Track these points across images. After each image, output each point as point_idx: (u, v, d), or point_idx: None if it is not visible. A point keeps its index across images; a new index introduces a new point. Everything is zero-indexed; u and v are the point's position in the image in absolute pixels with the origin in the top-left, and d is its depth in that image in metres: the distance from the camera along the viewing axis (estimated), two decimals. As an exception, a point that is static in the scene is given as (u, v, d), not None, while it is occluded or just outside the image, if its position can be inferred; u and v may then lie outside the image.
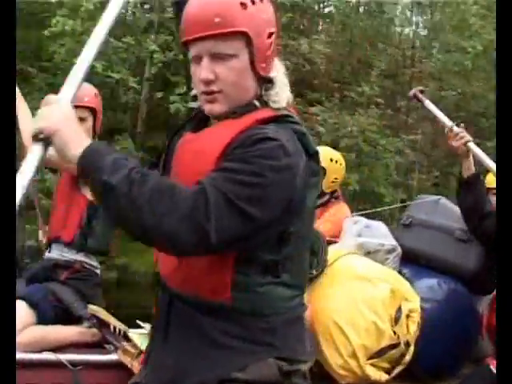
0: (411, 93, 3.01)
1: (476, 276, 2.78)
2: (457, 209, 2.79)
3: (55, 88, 10.61)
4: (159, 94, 10.31)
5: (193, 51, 1.42)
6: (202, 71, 1.39)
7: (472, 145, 2.65)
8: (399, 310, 2.53)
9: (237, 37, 1.38)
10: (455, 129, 2.66)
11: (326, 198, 3.42)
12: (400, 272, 2.83)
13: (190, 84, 1.47)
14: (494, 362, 2.22)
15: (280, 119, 1.41)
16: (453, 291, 2.78)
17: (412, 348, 2.55)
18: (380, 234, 2.86)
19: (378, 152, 12.05)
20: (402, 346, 2.51)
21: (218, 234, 1.25)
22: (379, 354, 2.48)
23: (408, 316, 2.55)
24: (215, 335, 1.37)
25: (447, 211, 2.92)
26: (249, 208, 1.28)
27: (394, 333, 2.49)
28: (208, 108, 1.43)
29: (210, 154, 1.35)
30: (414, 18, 16.61)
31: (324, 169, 3.34)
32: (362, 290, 2.55)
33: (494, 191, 3.61)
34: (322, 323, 2.52)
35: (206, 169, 1.32)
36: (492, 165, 2.56)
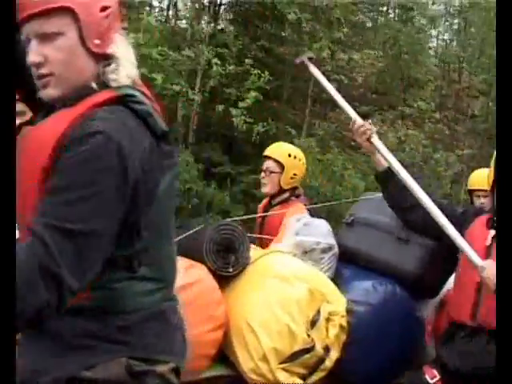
0: (297, 60, 2.76)
1: (418, 278, 2.61)
2: None
3: None
4: (220, 107, 10.22)
5: (23, 35, 1.36)
6: (31, 54, 1.33)
7: (375, 139, 2.50)
8: (318, 312, 2.41)
9: (61, 14, 1.31)
10: (358, 122, 2.50)
11: (286, 195, 3.37)
12: (340, 273, 2.71)
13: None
14: (431, 371, 2.18)
15: (119, 101, 1.33)
16: (390, 294, 2.59)
17: (334, 353, 2.42)
18: (318, 232, 2.72)
19: (431, 166, 12.17)
20: (320, 350, 2.37)
21: (75, 276, 1.21)
22: (292, 358, 2.35)
23: (328, 319, 2.42)
24: (72, 335, 1.33)
25: (381, 207, 2.74)
26: (85, 226, 1.22)
27: (308, 336, 2.35)
28: (43, 94, 1.37)
29: (44, 150, 1.28)
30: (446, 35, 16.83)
31: (282, 165, 3.23)
32: (278, 290, 2.43)
33: (478, 193, 3.57)
34: (235, 323, 2.42)
35: (41, 166, 1.27)
36: (393, 161, 2.43)
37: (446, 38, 17.24)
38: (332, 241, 2.70)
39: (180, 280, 2.31)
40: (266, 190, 3.39)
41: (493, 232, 2.15)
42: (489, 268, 2.03)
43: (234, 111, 9.95)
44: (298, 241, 2.66)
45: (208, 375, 2.43)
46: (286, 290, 2.42)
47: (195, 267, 2.47)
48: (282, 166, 3.31)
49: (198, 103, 10.44)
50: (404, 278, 2.60)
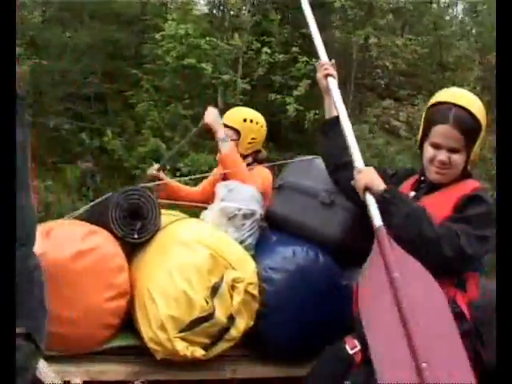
0: None
1: (340, 243, 2.50)
2: None
3: (162, 91, 9.82)
4: (272, 96, 9.85)
5: None
6: None
7: (332, 81, 2.47)
8: (221, 279, 2.30)
9: None
10: (323, 60, 2.51)
11: (248, 160, 3.25)
12: (267, 239, 2.61)
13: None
14: (352, 341, 2.11)
15: None
16: (311, 261, 2.48)
17: (241, 322, 2.32)
18: (240, 198, 2.62)
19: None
20: (222, 318, 2.27)
21: None
22: (190, 326, 2.23)
23: (233, 286, 2.31)
24: None
25: (320, 172, 2.61)
26: None
27: (207, 303, 2.25)
28: None
29: None
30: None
31: (238, 131, 3.16)
32: (178, 256, 2.33)
33: None
34: (138, 292, 2.34)
35: None
36: (342, 111, 2.37)
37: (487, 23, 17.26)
38: (254, 206, 2.59)
39: (78, 246, 2.27)
40: None
41: (413, 193, 2.21)
42: (364, 172, 2.13)
43: (287, 99, 9.89)
44: (221, 207, 2.59)
45: (114, 345, 2.34)
46: (186, 256, 2.33)
47: (96, 233, 2.37)
48: (238, 133, 3.24)
49: (241, 92, 10.52)
50: (327, 243, 2.51)
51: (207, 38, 9.85)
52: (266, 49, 10.18)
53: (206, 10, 10.92)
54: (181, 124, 9.52)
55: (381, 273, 1.93)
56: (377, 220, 2.05)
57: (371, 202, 2.11)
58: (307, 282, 2.46)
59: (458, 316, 1.91)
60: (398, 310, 1.82)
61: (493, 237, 1.95)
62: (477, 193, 2.08)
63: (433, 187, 2.17)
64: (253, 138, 3.25)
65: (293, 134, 10.92)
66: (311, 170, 2.65)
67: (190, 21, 10.21)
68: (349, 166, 2.30)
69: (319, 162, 2.65)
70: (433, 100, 2.21)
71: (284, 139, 10.73)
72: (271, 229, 2.70)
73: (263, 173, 3.19)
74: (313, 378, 2.17)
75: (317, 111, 9.50)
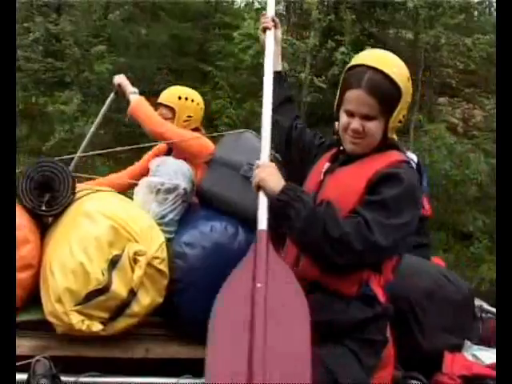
0: None
1: None
2: (259, 143, 2.29)
3: (237, 88, 9.50)
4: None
5: None
6: None
7: (268, 34, 2.37)
8: (123, 251, 2.22)
9: None
10: (268, 13, 2.43)
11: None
12: (193, 215, 2.52)
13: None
14: None
15: None
16: (229, 236, 2.38)
17: (145, 298, 2.24)
18: (165, 172, 2.54)
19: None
20: (121, 293, 2.19)
21: None
22: (86, 299, 2.16)
23: (135, 260, 2.22)
24: None
25: (247, 146, 2.52)
26: None
27: (103, 275, 2.17)
28: None
29: None
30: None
31: (173, 109, 3.08)
32: (80, 228, 2.25)
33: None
34: (42, 265, 2.25)
35: None
36: (268, 66, 2.24)
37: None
38: (178, 181, 2.51)
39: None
40: None
41: (327, 165, 2.04)
42: (261, 168, 1.93)
43: None
44: (146, 182, 2.53)
45: (20, 319, 2.19)
46: (88, 227, 2.25)
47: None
48: (173, 111, 3.15)
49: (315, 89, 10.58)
50: (247, 218, 2.34)
51: (283, 37, 10.11)
52: (342, 48, 10.23)
53: (282, 9, 11.14)
54: (256, 121, 9.63)
55: (246, 281, 1.78)
56: (261, 223, 1.86)
57: (261, 203, 1.90)
58: (224, 259, 2.29)
59: (371, 299, 1.83)
60: (250, 323, 1.67)
61: (414, 217, 1.83)
62: (392, 170, 1.86)
63: (349, 158, 1.98)
64: (188, 116, 3.16)
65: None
66: (240, 144, 2.57)
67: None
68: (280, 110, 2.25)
69: (248, 135, 2.60)
70: (350, 63, 2.01)
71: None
72: (203, 204, 2.63)
73: (203, 141, 3.09)
74: None
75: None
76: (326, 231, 1.74)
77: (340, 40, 10.69)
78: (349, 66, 1.97)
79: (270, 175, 1.89)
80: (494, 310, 3.35)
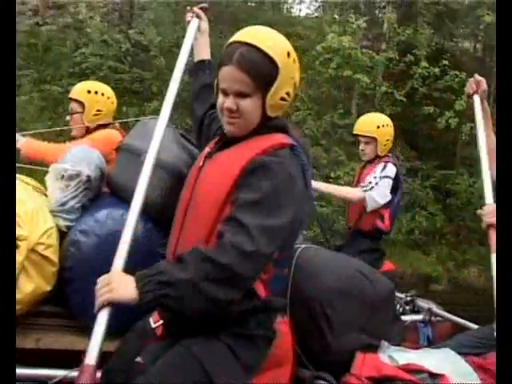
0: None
1: (161, 210, 2.27)
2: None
3: (316, 100, 9.78)
4: (427, 109, 9.87)
5: None
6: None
7: (194, 23, 2.27)
8: None
9: None
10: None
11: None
12: (98, 203, 2.44)
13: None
14: (156, 316, 1.88)
15: None
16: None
17: (27, 285, 2.05)
18: (70, 159, 2.46)
19: None
20: None
21: None
22: None
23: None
24: None
25: (150, 133, 2.30)
26: None
27: None
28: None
29: None
30: None
31: (83, 103, 3.05)
32: None
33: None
34: None
35: None
36: (185, 47, 2.16)
37: None
38: (81, 168, 2.44)
39: None
40: (73, 133, 3.15)
41: (207, 150, 1.91)
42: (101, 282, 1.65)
43: (447, 113, 10.10)
44: (53, 168, 2.46)
45: None
46: None
47: None
48: (82, 105, 3.11)
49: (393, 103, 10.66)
50: (146, 208, 2.15)
51: (363, 50, 10.10)
52: (423, 63, 10.41)
53: (363, 23, 11.32)
54: (337, 133, 9.74)
55: None
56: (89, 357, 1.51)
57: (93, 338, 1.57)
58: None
59: (248, 292, 1.67)
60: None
61: (297, 212, 1.68)
62: (267, 158, 1.68)
63: (229, 141, 1.83)
64: (98, 110, 3.12)
65: (429, 143, 11.24)
66: (146, 131, 2.43)
67: (349, 33, 10.41)
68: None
69: (153, 122, 2.38)
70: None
71: (433, 150, 10.92)
72: (112, 193, 2.55)
73: (105, 134, 3.06)
74: (116, 352, 1.94)
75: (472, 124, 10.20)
76: (209, 281, 1.54)
77: (416, 54, 10.83)
78: (226, 45, 1.83)
79: (117, 285, 1.59)
80: (444, 313, 3.34)
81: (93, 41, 11.19)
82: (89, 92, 3.12)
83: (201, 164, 1.83)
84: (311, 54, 10.52)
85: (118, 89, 9.41)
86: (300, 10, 15.00)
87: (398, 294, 3.53)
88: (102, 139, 2.97)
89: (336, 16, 12.06)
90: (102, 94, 3.15)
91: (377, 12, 13.52)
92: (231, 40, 1.78)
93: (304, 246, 2.35)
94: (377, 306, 2.28)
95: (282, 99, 1.77)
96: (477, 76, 2.49)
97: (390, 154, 3.80)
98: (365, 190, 3.62)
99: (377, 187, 3.62)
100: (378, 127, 3.72)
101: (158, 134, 1.92)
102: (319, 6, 15.60)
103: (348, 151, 8.36)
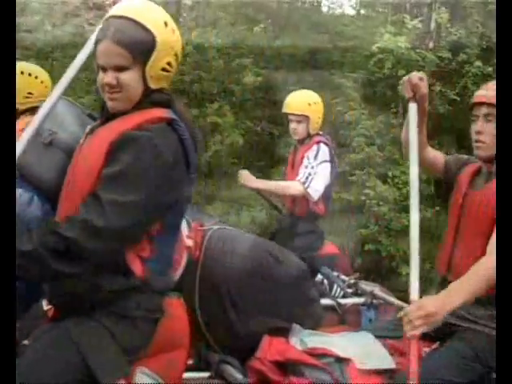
0: None
1: (50, 189, 2.10)
2: (70, 110, 2.11)
3: (370, 100, 9.77)
4: None
5: None
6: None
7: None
8: None
9: None
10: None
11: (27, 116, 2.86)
12: None
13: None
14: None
15: None
16: (24, 204, 2.02)
17: None
18: None
19: None
20: None
21: None
22: None
23: None
24: None
25: (57, 112, 2.21)
26: None
27: None
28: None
29: None
30: None
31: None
32: None
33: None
34: None
35: None
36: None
37: None
38: None
39: None
40: None
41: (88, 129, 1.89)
42: None
43: None
44: None
45: None
46: None
47: None
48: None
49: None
50: (43, 188, 2.09)
51: (417, 50, 10.02)
52: (478, 62, 10.22)
53: (418, 24, 11.43)
54: (391, 133, 9.79)
55: None
56: None
57: None
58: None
59: (123, 272, 1.65)
60: None
61: (163, 191, 1.63)
62: (135, 133, 1.65)
63: (111, 116, 1.77)
64: (29, 93, 2.95)
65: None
66: (52, 112, 2.25)
67: (404, 34, 10.44)
68: None
69: (62, 102, 2.24)
70: None
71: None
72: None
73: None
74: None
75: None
76: (50, 252, 1.50)
77: (468, 53, 10.73)
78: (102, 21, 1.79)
79: None
80: (386, 296, 3.28)
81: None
82: (22, 73, 2.95)
83: (81, 141, 1.79)
84: (363, 54, 10.59)
85: (178, 90, 9.43)
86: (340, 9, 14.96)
87: (342, 277, 3.52)
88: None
89: (388, 17, 12.11)
90: (36, 77, 3.00)
91: (425, 10, 13.52)
92: (106, 16, 1.76)
93: (216, 228, 2.31)
94: (288, 288, 2.25)
95: (164, 70, 1.75)
96: (414, 77, 2.23)
97: (320, 132, 3.73)
98: (305, 184, 3.54)
99: (316, 176, 3.56)
100: (310, 105, 3.65)
101: (41, 112, 1.84)
102: (362, 6, 15.63)
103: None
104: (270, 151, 9.56)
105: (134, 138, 1.62)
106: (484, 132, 2.16)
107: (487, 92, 2.16)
